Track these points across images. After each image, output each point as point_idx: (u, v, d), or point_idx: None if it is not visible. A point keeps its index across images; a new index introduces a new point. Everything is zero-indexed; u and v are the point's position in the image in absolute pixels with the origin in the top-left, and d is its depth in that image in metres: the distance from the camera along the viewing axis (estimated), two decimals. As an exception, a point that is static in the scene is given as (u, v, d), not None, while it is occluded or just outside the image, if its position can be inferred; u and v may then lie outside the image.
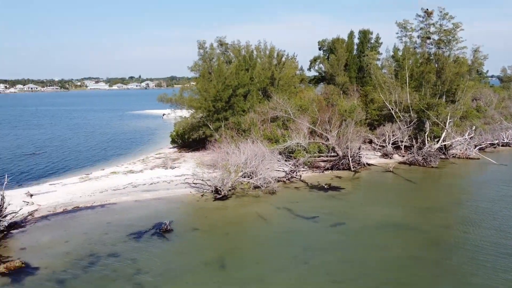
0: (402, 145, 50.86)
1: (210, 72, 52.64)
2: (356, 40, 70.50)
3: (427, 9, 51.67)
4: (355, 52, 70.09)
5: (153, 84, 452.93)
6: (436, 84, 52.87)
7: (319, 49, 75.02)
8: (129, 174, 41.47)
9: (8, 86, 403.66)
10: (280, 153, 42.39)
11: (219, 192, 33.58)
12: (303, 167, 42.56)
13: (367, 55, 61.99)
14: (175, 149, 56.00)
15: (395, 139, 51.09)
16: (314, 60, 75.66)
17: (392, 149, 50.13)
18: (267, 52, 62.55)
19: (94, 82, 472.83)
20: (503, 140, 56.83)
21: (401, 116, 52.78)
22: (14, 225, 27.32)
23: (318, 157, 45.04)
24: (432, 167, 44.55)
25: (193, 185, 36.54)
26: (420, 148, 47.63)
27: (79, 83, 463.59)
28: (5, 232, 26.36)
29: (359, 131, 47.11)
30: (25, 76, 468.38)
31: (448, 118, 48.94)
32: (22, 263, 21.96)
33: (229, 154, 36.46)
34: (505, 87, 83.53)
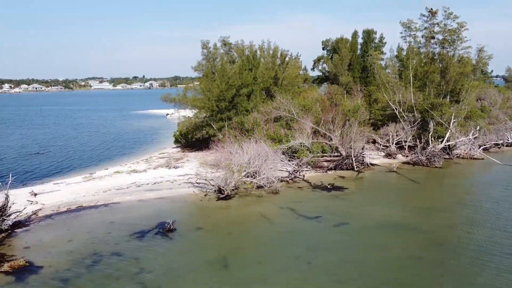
0: (405, 145, 50.69)
1: (213, 72, 52.68)
2: (360, 40, 70.42)
3: (432, 9, 51.46)
4: (359, 52, 69.97)
5: (157, 84, 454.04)
6: (440, 84, 52.65)
7: (323, 49, 75.03)
8: (132, 174, 41.56)
9: (13, 86, 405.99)
10: (283, 153, 42.35)
11: (222, 191, 33.58)
12: (306, 167, 42.51)
13: (371, 55, 61.84)
14: (179, 149, 56.09)
15: (398, 139, 50.93)
16: (317, 60, 75.63)
17: (395, 149, 49.99)
18: (271, 52, 62.54)
19: (98, 82, 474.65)
20: (508, 140, 56.57)
21: (405, 116, 52.60)
22: (18, 224, 27.46)
23: (322, 157, 44.96)
24: (436, 167, 44.38)
25: (196, 184, 36.57)
26: (424, 148, 47.47)
27: (83, 83, 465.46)
28: (9, 231, 26.50)
29: (362, 131, 47.01)
30: (29, 76, 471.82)
31: (452, 118, 48.74)
32: (26, 262, 22.06)
33: (232, 154, 36.47)
34: (510, 87, 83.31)
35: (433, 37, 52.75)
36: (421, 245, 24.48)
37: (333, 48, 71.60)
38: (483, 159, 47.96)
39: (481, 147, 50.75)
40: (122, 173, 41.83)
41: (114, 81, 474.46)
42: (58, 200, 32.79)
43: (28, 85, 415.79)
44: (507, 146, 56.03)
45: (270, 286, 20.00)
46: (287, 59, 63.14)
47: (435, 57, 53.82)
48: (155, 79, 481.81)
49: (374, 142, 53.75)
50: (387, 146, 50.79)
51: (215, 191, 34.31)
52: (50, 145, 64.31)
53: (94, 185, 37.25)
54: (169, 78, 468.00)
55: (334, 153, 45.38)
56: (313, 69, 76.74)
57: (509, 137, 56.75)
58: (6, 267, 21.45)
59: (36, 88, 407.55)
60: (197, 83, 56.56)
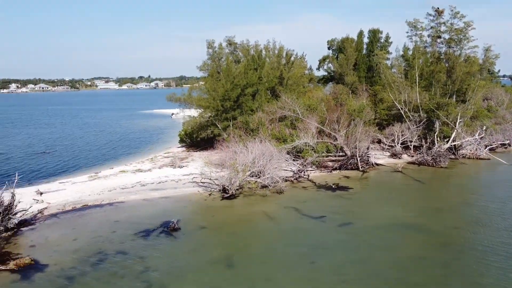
0: (411, 145, 50.44)
1: (218, 72, 52.74)
2: (365, 40, 70.27)
3: (438, 8, 51.19)
4: (364, 51, 69.83)
5: (162, 84, 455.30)
6: (447, 84, 52.37)
7: (328, 48, 74.98)
8: (137, 173, 41.70)
9: (19, 86, 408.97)
10: (288, 153, 42.31)
11: (227, 191, 33.61)
12: (311, 167, 42.44)
13: (376, 55, 61.64)
14: (184, 148, 56.21)
15: (404, 139, 50.69)
16: (323, 60, 75.56)
17: (401, 149, 49.76)
18: (276, 52, 62.51)
19: (104, 81, 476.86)
20: (514, 140, 56.06)
21: (410, 115, 52.36)
22: (24, 223, 27.64)
23: (326, 156, 44.87)
24: (442, 167, 44.13)
25: (201, 184, 36.64)
26: (429, 148, 47.21)
27: (89, 83, 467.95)
28: (15, 230, 26.67)
29: (367, 130, 46.82)
30: (36, 76, 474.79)
31: (458, 118, 48.44)
32: (32, 260, 22.19)
33: (237, 154, 36.48)
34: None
35: (439, 37, 52.47)
36: (427, 245, 24.35)
37: (339, 47, 71.51)
38: (489, 159, 47.63)
39: (487, 147, 50.40)
40: (127, 173, 41.98)
41: (120, 81, 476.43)
42: (63, 199, 32.98)
43: (35, 85, 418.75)
44: (513, 146, 55.56)
45: (274, 285, 19.99)
46: (292, 58, 63.11)
47: (441, 57, 53.52)
48: (160, 79, 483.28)
49: (379, 142, 53.52)
50: (392, 146, 50.57)
51: (220, 190, 34.33)
52: (56, 145, 64.70)
53: (99, 184, 37.41)
54: (174, 78, 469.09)
55: (339, 153, 45.28)
56: (318, 68, 76.73)
57: (515, 137, 56.27)
58: (12, 265, 21.61)
59: (42, 88, 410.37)
60: (202, 83, 56.67)
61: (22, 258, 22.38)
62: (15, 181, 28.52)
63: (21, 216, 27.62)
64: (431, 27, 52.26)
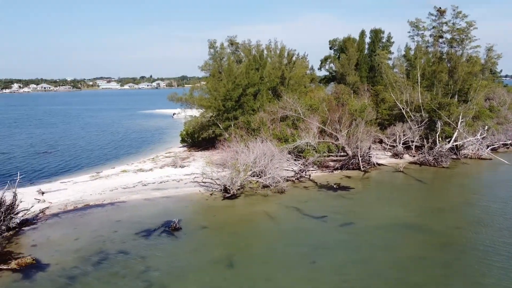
0: (412, 145, 50.38)
1: (220, 72, 52.74)
2: (367, 40, 70.20)
3: (440, 8, 51.07)
4: (366, 51, 69.77)
5: (164, 84, 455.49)
6: (448, 84, 52.27)
7: (330, 48, 74.99)
8: (139, 173, 41.75)
9: (22, 86, 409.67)
10: (289, 153, 42.29)
11: (228, 191, 33.62)
12: (312, 167, 42.41)
13: (378, 55, 61.55)
14: (185, 148, 56.26)
15: (405, 139, 50.63)
16: (324, 60, 75.57)
17: (402, 149, 49.69)
18: (278, 52, 62.50)
19: (106, 81, 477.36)
20: (516, 140, 55.93)
21: (412, 115, 52.29)
22: (25, 222, 27.69)
23: (328, 156, 44.84)
24: (443, 167, 44.06)
25: (202, 184, 36.65)
26: (431, 148, 47.14)
27: (91, 83, 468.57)
28: (16, 229, 26.73)
29: (369, 130, 46.78)
30: (38, 76, 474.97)
31: (460, 118, 48.35)
32: (33, 260, 22.23)
33: (238, 153, 36.48)
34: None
35: (441, 36, 52.37)
36: (428, 245, 24.31)
37: (340, 47, 71.49)
38: (491, 159, 47.53)
39: (489, 147, 50.30)
40: (129, 172, 42.03)
41: (122, 81, 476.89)
42: (65, 198, 33.04)
43: (37, 84, 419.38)
44: (515, 146, 55.42)
45: (275, 285, 19.98)
46: (294, 58, 63.05)
47: (443, 57, 53.42)
48: (162, 79, 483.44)
49: (380, 142, 53.48)
50: (394, 146, 50.52)
51: (221, 190, 34.35)
52: (58, 144, 64.81)
53: (101, 184, 37.47)
54: (176, 78, 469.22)
55: (341, 152, 45.24)
56: (320, 68, 76.73)
57: (517, 137, 56.12)
58: (13, 264, 21.65)
59: (44, 88, 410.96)
60: (204, 83, 56.70)
61: (24, 257, 22.42)
62: (17, 180, 28.59)
63: (23, 216, 27.68)
64: (433, 27, 52.19)
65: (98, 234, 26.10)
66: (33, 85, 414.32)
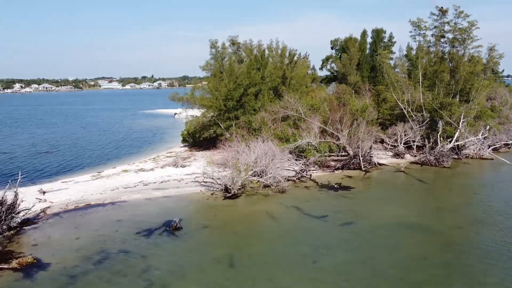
0: (414, 145, 50.32)
1: (221, 71, 52.75)
2: (369, 39, 70.12)
3: (442, 7, 50.95)
4: (367, 51, 69.67)
5: (166, 84, 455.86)
6: (450, 83, 52.19)
7: (331, 48, 74.86)
8: (140, 172, 41.77)
9: (23, 86, 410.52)
10: (290, 152, 42.26)
11: (229, 190, 33.61)
12: (313, 167, 42.39)
13: (379, 54, 61.47)
14: (186, 148, 56.29)
15: (407, 138, 50.58)
16: (326, 60, 75.47)
17: (404, 148, 49.63)
18: (279, 52, 62.49)
19: (107, 81, 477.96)
20: (518, 140, 55.81)
21: (413, 115, 52.22)
22: (26, 222, 27.74)
23: (329, 156, 44.81)
24: (445, 167, 43.99)
25: (203, 183, 36.64)
26: (432, 148, 47.06)
27: (92, 83, 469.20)
28: (18, 229, 26.77)
29: (370, 130, 46.75)
30: (40, 76, 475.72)
31: (462, 117, 48.27)
32: (34, 259, 22.25)
33: (240, 153, 36.46)
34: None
35: (443, 36, 52.26)
36: (429, 245, 24.26)
37: (342, 47, 71.35)
38: (493, 159, 47.44)
39: (491, 147, 50.21)
40: (130, 172, 42.05)
41: (123, 81, 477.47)
42: (66, 198, 33.08)
43: (39, 85, 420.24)
44: (517, 146, 55.30)
45: (276, 284, 19.95)
46: (295, 58, 63.02)
47: (445, 56, 53.32)
48: (163, 79, 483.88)
49: (382, 141, 53.43)
50: (395, 146, 50.46)
51: (222, 190, 34.35)
52: (60, 144, 64.88)
53: (102, 184, 37.50)
54: (177, 78, 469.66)
55: (342, 152, 45.20)
56: (321, 68, 76.59)
57: (519, 137, 55.99)
58: (14, 264, 21.68)
59: (46, 88, 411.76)
60: (205, 83, 56.72)
61: (25, 256, 22.45)
62: (18, 180, 28.64)
63: (24, 215, 27.73)
64: (435, 27, 52.06)
65: (99, 233, 26.12)
66: (35, 85, 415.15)
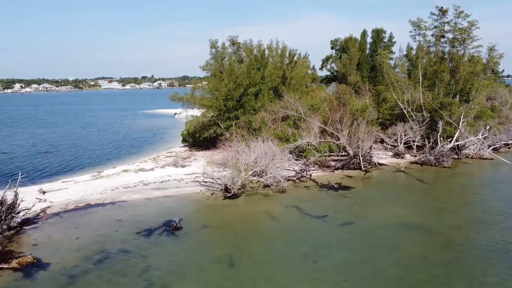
0: (414, 144, 50.32)
1: (221, 71, 52.74)
2: (369, 39, 70.11)
3: (442, 7, 50.93)
4: (367, 51, 69.65)
5: (166, 84, 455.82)
6: (450, 83, 52.19)
7: (331, 48, 74.83)
8: (140, 172, 41.77)
9: (23, 86, 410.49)
10: (290, 152, 42.26)
11: (229, 190, 33.61)
12: (313, 166, 42.39)
13: (379, 54, 61.47)
14: (186, 148, 56.29)
15: (407, 138, 50.58)
16: (326, 60, 75.44)
17: (404, 148, 49.63)
18: (279, 52, 62.47)
19: (107, 81, 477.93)
20: (518, 140, 55.81)
21: (413, 115, 52.22)
22: (26, 222, 27.73)
23: (329, 156, 44.80)
24: (445, 167, 43.99)
25: (203, 183, 36.64)
26: (432, 148, 47.06)
27: (92, 83, 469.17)
28: (18, 228, 26.76)
29: (370, 130, 46.74)
30: (40, 76, 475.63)
31: (462, 117, 48.26)
32: (34, 259, 22.25)
33: (239, 153, 36.46)
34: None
35: (443, 36, 52.25)
36: (429, 244, 24.26)
37: (342, 47, 71.34)
38: (493, 159, 47.44)
39: (491, 147, 50.21)
40: (130, 172, 42.05)
41: (123, 81, 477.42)
42: (66, 198, 33.08)
43: (39, 85, 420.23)
44: (517, 146, 55.29)
45: (276, 284, 19.95)
46: (295, 58, 63.01)
47: (445, 56, 53.32)
48: (163, 79, 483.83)
49: (382, 141, 53.43)
50: (395, 146, 50.46)
51: (222, 190, 34.35)
52: (60, 144, 64.87)
53: (102, 184, 37.50)
54: (177, 78, 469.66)
55: (342, 152, 45.19)
56: (321, 68, 76.56)
57: (519, 137, 55.97)
58: (14, 263, 21.68)
59: (46, 88, 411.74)
60: (205, 83, 56.71)
61: (25, 256, 22.45)
62: (18, 180, 28.63)
63: (24, 215, 27.72)
64: (435, 27, 52.06)
65: (99, 233, 26.12)
66: (35, 85, 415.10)
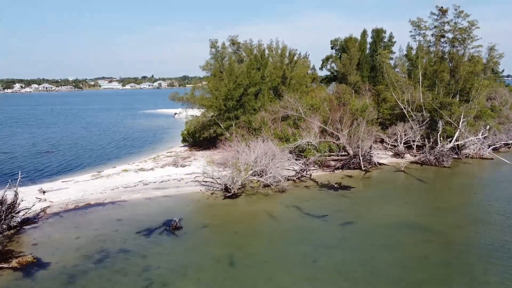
0: (414, 144, 50.33)
1: (221, 71, 52.73)
2: (369, 39, 70.11)
3: (442, 7, 50.91)
4: (367, 51, 69.63)
5: (166, 84, 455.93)
6: (450, 83, 52.18)
7: (331, 48, 74.79)
8: (140, 172, 41.78)
9: (23, 86, 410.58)
10: (290, 152, 42.26)
11: (229, 190, 33.61)
12: (313, 166, 42.39)
13: (379, 54, 61.47)
14: (186, 148, 56.29)
15: (407, 138, 50.58)
16: (326, 59, 75.42)
17: (403, 148, 49.64)
18: (279, 51, 62.46)
19: (107, 81, 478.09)
20: (518, 140, 55.80)
21: (413, 115, 52.22)
22: (26, 221, 27.74)
23: (329, 156, 44.79)
24: (445, 166, 44.00)
25: (203, 183, 36.64)
26: (432, 148, 47.06)
27: (92, 83, 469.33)
28: (18, 228, 26.77)
29: (370, 130, 46.74)
30: (40, 76, 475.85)
31: (462, 117, 48.27)
32: (34, 258, 22.26)
33: (239, 153, 36.45)
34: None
35: (443, 36, 52.21)
36: (429, 244, 24.26)
37: (342, 47, 71.32)
38: (493, 159, 47.44)
39: (491, 147, 50.21)
40: (130, 172, 42.06)
41: (123, 81, 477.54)
42: (66, 197, 33.08)
43: (39, 85, 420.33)
44: (517, 146, 55.30)
45: (276, 284, 19.95)
46: (295, 58, 62.99)
47: (445, 56, 53.29)
48: (163, 79, 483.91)
49: (382, 141, 53.43)
50: (395, 146, 50.47)
51: (222, 189, 34.35)
52: (60, 144, 64.89)
53: (102, 183, 37.50)
54: (177, 77, 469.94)
55: (342, 152, 45.19)
56: (321, 68, 76.52)
57: (519, 137, 55.97)
58: (14, 263, 21.68)
59: (46, 88, 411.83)
60: (205, 83, 56.70)
61: (25, 256, 22.46)
62: (18, 180, 28.60)
63: (24, 215, 27.72)
64: (435, 27, 52.01)
65: (99, 233, 26.12)
66: (35, 85, 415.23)
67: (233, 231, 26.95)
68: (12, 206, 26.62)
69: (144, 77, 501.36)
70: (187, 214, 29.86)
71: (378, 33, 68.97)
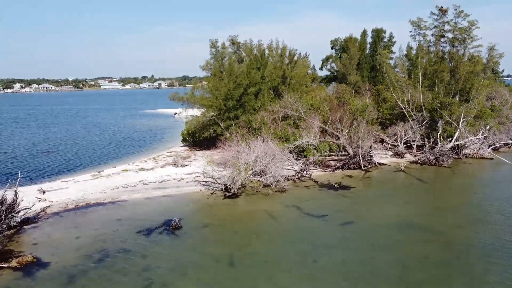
0: (414, 144, 50.33)
1: (221, 71, 52.73)
2: (369, 39, 70.11)
3: (442, 7, 50.89)
4: (367, 51, 69.63)
5: (166, 84, 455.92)
6: (450, 83, 52.16)
7: (331, 48, 74.81)
8: (140, 172, 41.78)
9: (23, 86, 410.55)
10: (290, 152, 42.27)
11: (229, 190, 33.61)
12: (313, 166, 42.39)
13: (379, 54, 61.46)
14: (186, 148, 56.28)
15: (407, 138, 50.58)
16: (326, 59, 75.43)
17: (403, 148, 49.64)
18: (279, 51, 62.46)
19: (107, 81, 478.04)
20: (518, 140, 55.80)
21: (413, 115, 52.21)
22: (26, 221, 27.74)
23: (329, 156, 44.79)
24: (445, 166, 44.00)
25: (203, 183, 36.64)
26: (432, 148, 47.06)
27: (92, 83, 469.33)
28: (18, 228, 26.77)
29: (370, 130, 46.75)
30: (40, 76, 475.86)
31: (462, 117, 48.26)
32: (34, 258, 22.26)
33: (239, 153, 36.45)
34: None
35: (443, 36, 52.19)
36: (430, 244, 24.26)
37: (342, 47, 71.33)
38: (493, 158, 47.43)
39: (491, 147, 50.21)
40: (130, 171, 42.06)
41: (123, 81, 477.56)
42: (66, 197, 33.08)
43: (39, 85, 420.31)
44: (517, 145, 55.29)
45: (276, 283, 19.96)
46: (295, 58, 62.98)
47: (445, 56, 53.27)
48: (163, 79, 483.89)
49: (382, 141, 53.43)
50: (395, 146, 50.47)
51: (222, 189, 34.35)
52: (60, 144, 64.88)
53: (102, 183, 37.50)
54: (177, 77, 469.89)
55: (342, 152, 45.19)
56: (321, 68, 76.53)
57: (519, 136, 55.96)
58: (14, 263, 21.68)
59: (46, 88, 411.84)
60: (205, 82, 56.70)
61: (25, 255, 22.46)
62: (18, 179, 28.60)
63: (24, 214, 27.72)
64: (435, 26, 51.97)
65: (99, 232, 26.12)
66: (35, 85, 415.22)
67: (233, 231, 26.95)
68: (12, 206, 26.61)
69: (144, 77, 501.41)
70: (187, 214, 29.87)
71: (378, 33, 68.98)
